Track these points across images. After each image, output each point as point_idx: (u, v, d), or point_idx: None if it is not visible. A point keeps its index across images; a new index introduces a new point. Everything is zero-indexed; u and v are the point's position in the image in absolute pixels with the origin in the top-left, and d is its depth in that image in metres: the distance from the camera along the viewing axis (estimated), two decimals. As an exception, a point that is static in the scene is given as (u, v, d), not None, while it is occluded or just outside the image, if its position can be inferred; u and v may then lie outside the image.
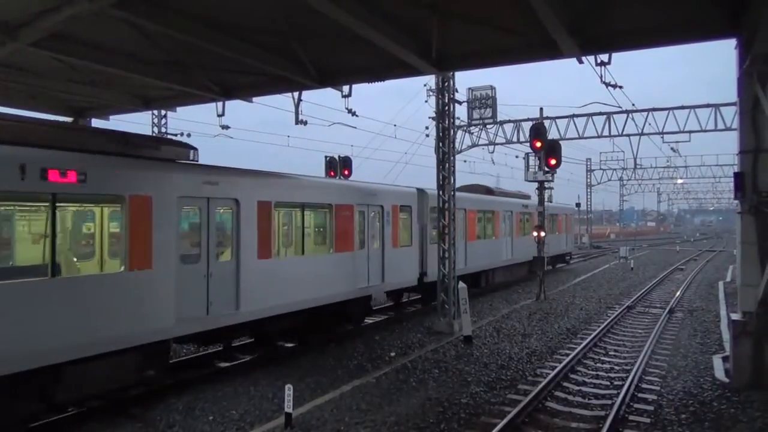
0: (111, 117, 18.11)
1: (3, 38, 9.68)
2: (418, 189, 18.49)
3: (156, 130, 24.90)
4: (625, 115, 29.22)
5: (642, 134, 30.36)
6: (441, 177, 16.19)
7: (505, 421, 8.52)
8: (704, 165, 56.01)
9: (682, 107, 29.27)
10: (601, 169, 57.37)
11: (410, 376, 11.34)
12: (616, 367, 12.06)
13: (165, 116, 24.63)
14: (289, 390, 8.60)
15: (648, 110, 29.29)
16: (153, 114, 24.18)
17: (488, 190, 25.78)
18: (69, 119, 17.13)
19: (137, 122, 33.69)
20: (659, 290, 25.35)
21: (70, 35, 10.44)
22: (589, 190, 61.01)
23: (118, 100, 15.77)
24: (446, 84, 16.00)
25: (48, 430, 8.72)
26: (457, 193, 20.10)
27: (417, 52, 10.88)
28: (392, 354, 13.40)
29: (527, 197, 28.80)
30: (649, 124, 29.42)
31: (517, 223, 26.60)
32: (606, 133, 30.43)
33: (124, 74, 12.39)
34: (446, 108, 16.10)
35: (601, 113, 29.61)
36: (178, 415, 9.24)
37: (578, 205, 60.87)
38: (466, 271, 20.56)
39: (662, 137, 30.72)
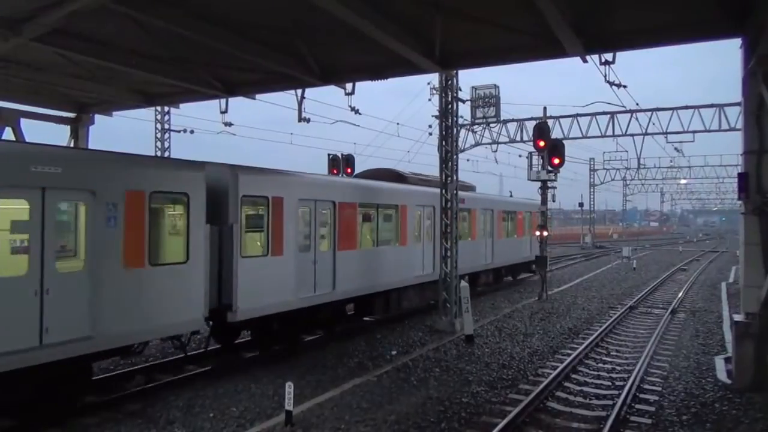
0: (114, 113, 18.11)
1: (6, 33, 9.71)
2: (210, 165, 10.91)
3: (159, 126, 24.90)
4: (628, 115, 29.13)
5: (646, 134, 30.26)
6: (444, 176, 16.16)
7: (506, 420, 8.49)
8: (708, 165, 55.97)
9: (686, 107, 29.17)
10: (604, 168, 57.31)
11: (411, 375, 11.32)
12: (618, 368, 12.02)
13: (168, 113, 24.63)
14: (289, 388, 8.59)
15: (652, 110, 29.19)
16: (156, 110, 24.17)
17: (399, 177, 18.35)
18: (72, 114, 17.15)
19: (141, 119, 33.68)
20: (662, 290, 25.29)
21: (72, 30, 10.42)
22: (592, 189, 60.90)
23: (120, 96, 15.77)
24: (449, 82, 15.97)
25: (50, 424, 8.70)
26: (325, 178, 15.71)
27: (420, 50, 10.85)
28: (393, 352, 13.37)
29: (469, 188, 22.62)
30: (653, 123, 29.34)
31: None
32: (609, 132, 30.36)
33: (126, 70, 12.39)
34: (449, 107, 16.06)
35: (604, 113, 29.54)
36: (179, 412, 9.23)
37: (581, 204, 60.87)
38: (346, 295, 14.41)
39: (666, 137, 30.66)
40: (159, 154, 24.24)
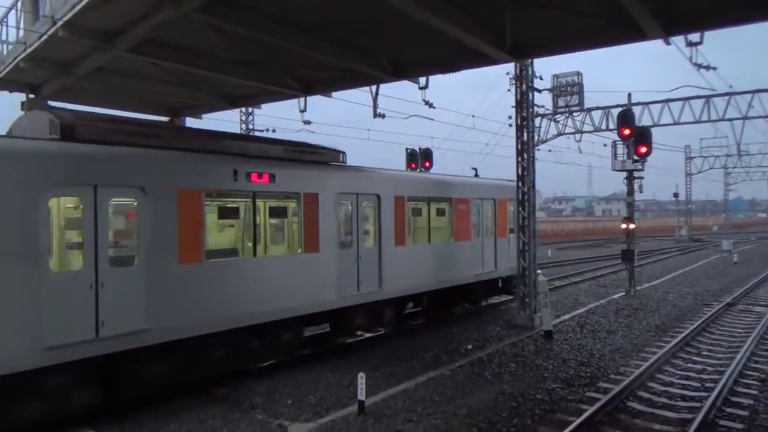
0: (203, 116, 19.14)
1: (104, 46, 10.58)
2: None
3: (244, 126, 26.04)
4: (726, 98, 27.07)
5: (746, 118, 28.02)
6: (520, 168, 15.83)
7: (581, 419, 8.27)
8: (822, 149, 50.75)
9: (793, 87, 26.69)
10: (701, 156, 53.50)
11: (486, 370, 11.25)
12: (709, 368, 11.32)
13: (251, 113, 25.69)
14: (361, 378, 8.81)
15: (752, 92, 26.95)
16: (241, 111, 25.28)
17: (153, 129, 10.63)
18: (165, 118, 18.33)
19: (228, 120, 35.42)
20: (765, 287, 23.38)
21: (161, 40, 11.14)
22: (688, 179, 57.21)
23: (207, 100, 16.66)
24: (524, 72, 15.60)
25: (143, 404, 9.42)
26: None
27: (491, 41, 10.66)
28: (469, 347, 13.33)
29: (326, 155, 12.99)
30: (752, 107, 27.09)
31: (187, 224, 9.74)
32: (705, 117, 28.33)
33: (211, 75, 13.08)
34: (525, 97, 15.70)
35: (698, 97, 27.61)
36: (260, 398, 9.72)
37: (676, 195, 57.38)
38: None
39: (770, 121, 28.23)
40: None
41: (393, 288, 13.70)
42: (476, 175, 18.85)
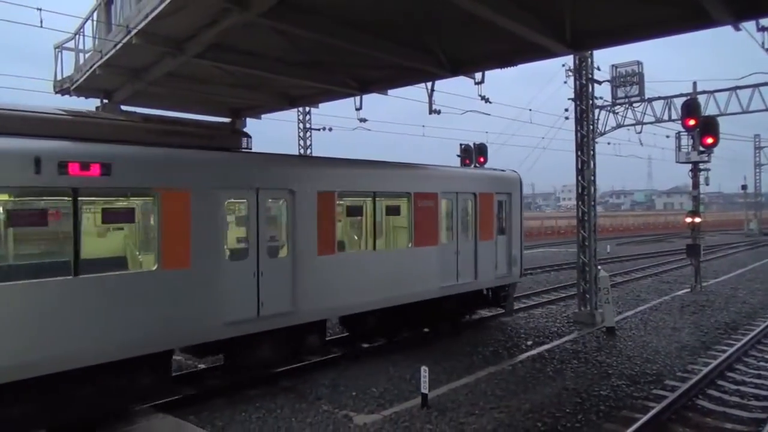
0: (263, 116, 19.71)
1: (174, 52, 11.11)
2: None
3: (301, 126, 26.59)
4: (800, 84, 25.59)
5: (822, 105, 26.39)
6: (580, 162, 15.56)
7: (648, 416, 8.15)
8: None
9: None
10: (772, 146, 50.78)
11: (547, 366, 11.19)
12: (785, 367, 10.88)
13: (309, 112, 26.19)
14: (424, 372, 8.96)
15: (830, 77, 25.36)
16: (298, 111, 25.80)
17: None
18: (227, 119, 18.98)
19: (286, 119, 36.07)
20: None
21: (226, 45, 11.60)
22: (758, 170, 54.42)
23: (268, 101, 17.15)
24: (583, 63, 15.31)
25: (216, 394, 9.89)
26: None
27: (550, 33, 10.53)
28: (529, 342, 13.27)
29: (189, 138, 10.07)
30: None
31: None
32: (776, 105, 26.87)
33: (272, 77, 13.48)
34: (584, 89, 15.41)
35: (768, 83, 26.21)
36: (325, 389, 10.02)
37: (744, 187, 54.75)
38: None
39: None
40: (302, 152, 25.89)
41: (315, 308, 10.72)
42: (463, 164, 17.66)
